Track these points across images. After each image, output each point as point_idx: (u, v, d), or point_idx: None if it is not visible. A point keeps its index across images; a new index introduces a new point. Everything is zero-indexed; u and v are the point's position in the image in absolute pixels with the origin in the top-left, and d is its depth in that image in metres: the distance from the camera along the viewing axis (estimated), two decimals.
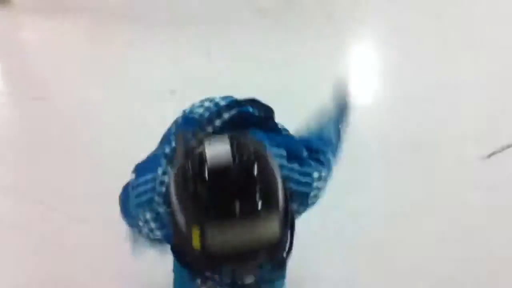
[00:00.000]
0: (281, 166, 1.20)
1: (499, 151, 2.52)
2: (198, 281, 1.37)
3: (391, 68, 3.05)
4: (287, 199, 1.07)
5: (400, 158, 2.53)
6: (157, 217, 1.26)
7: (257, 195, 0.99)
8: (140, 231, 1.37)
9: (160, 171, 1.24)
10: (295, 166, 1.27)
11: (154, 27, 3.44)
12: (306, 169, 1.29)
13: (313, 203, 1.37)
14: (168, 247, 1.28)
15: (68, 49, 3.31)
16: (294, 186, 1.26)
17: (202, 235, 0.97)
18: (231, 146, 1.00)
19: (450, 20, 3.25)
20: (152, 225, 1.28)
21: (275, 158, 1.17)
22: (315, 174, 1.32)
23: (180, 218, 1.01)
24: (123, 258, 2.14)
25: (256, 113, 1.32)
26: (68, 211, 2.36)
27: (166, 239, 1.30)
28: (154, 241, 1.43)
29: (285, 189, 1.07)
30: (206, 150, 1.00)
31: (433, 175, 2.47)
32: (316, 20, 3.30)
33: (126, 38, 3.34)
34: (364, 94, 2.88)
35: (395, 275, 2.11)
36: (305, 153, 1.36)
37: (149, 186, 1.25)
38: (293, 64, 3.00)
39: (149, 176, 1.26)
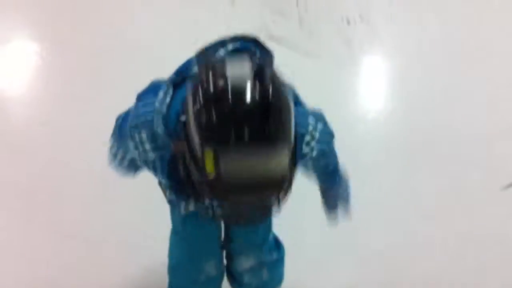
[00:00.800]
0: None
1: None
2: (182, 207, 1.45)
3: (401, 72, 2.99)
4: (296, 135, 1.11)
5: (413, 162, 2.46)
6: (153, 137, 1.28)
7: (271, 123, 1.04)
8: (124, 156, 1.41)
9: (161, 93, 1.27)
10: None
11: None
12: (302, 110, 1.33)
13: (305, 155, 1.35)
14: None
15: None
16: None
17: (216, 159, 1.01)
18: (252, 68, 1.05)
19: (461, 20, 3.18)
20: (147, 146, 1.30)
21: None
22: (311, 119, 1.33)
23: (195, 136, 1.06)
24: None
25: (258, 54, 1.32)
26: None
27: (160, 161, 1.33)
28: (133, 167, 1.46)
29: (295, 124, 1.11)
30: (228, 68, 1.05)
31: (447, 180, 2.41)
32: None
33: None
34: (375, 99, 2.87)
35: (406, 282, 2.11)
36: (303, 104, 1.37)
37: (149, 108, 1.28)
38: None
39: (150, 100, 1.29)
